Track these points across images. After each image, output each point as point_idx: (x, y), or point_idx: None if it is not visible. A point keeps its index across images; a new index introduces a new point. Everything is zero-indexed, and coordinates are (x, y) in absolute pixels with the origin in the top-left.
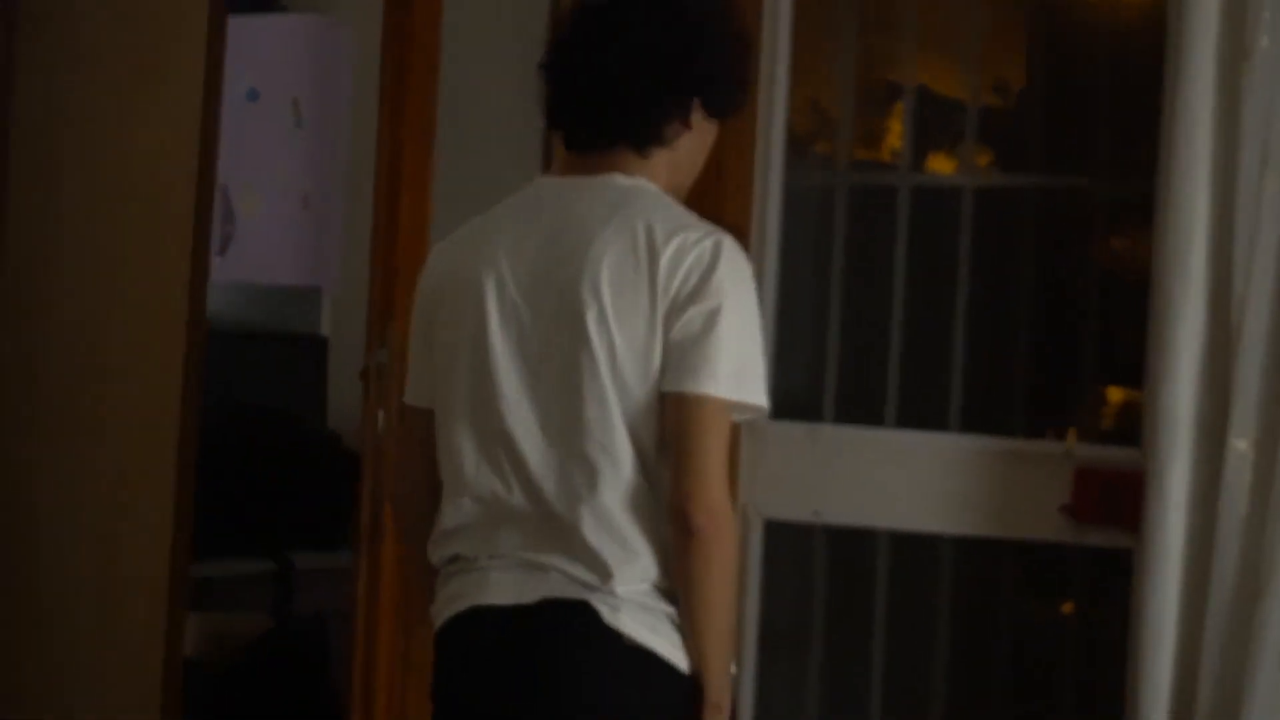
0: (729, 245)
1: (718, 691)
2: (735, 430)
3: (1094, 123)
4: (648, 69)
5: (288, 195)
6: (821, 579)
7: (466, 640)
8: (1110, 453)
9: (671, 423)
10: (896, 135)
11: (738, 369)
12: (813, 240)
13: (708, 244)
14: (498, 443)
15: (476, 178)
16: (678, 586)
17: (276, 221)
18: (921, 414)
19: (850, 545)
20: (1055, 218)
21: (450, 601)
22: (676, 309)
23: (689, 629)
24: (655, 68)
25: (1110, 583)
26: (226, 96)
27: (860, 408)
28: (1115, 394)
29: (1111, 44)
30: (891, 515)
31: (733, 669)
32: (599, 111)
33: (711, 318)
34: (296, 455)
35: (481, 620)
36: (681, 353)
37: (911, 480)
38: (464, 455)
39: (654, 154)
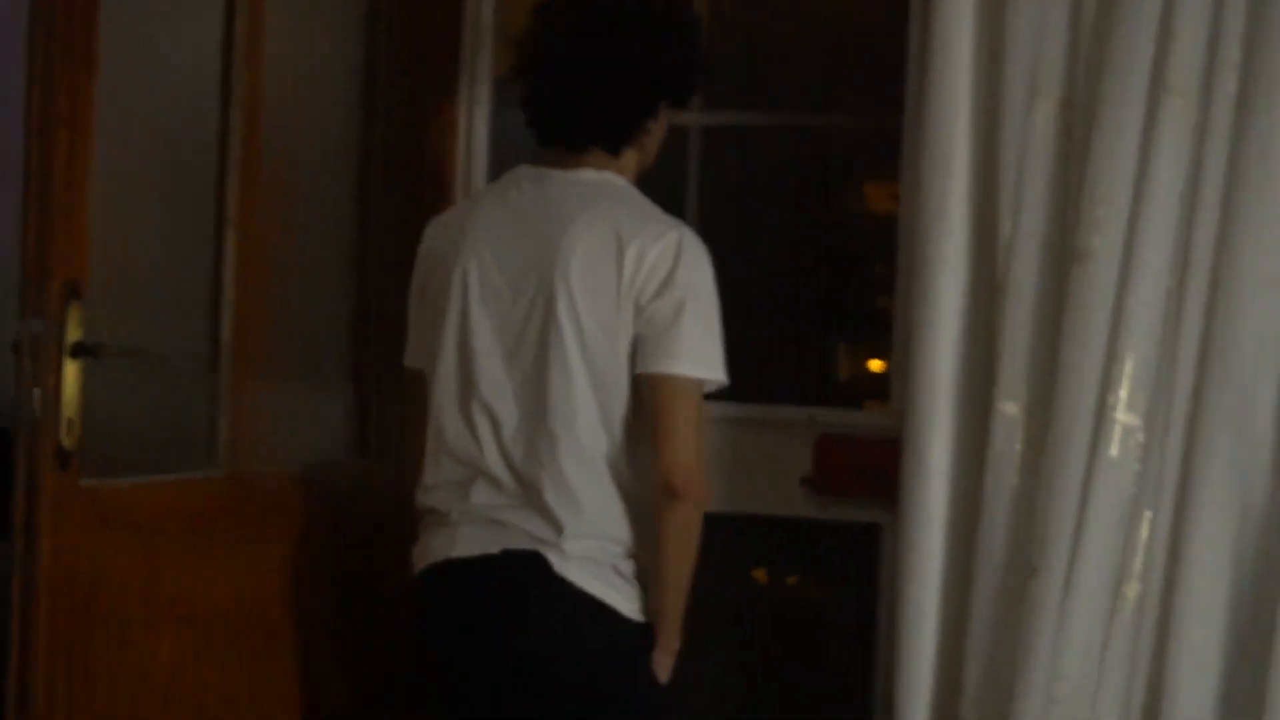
0: (688, 239)
1: (673, 637)
2: None
3: (830, 55)
4: (624, 84)
5: None
6: None
7: (440, 590)
8: (857, 418)
9: (650, 402)
10: None
11: (703, 351)
12: None
13: (670, 238)
14: (476, 409)
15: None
16: (654, 544)
17: None
18: None
19: None
20: (794, 157)
21: (426, 554)
22: (645, 301)
23: (657, 580)
24: (631, 83)
25: (857, 561)
26: None
27: None
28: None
29: None
30: None
31: None
32: (577, 121)
33: (679, 308)
34: None
35: (452, 571)
36: (655, 340)
37: None
38: (446, 417)
39: (624, 152)
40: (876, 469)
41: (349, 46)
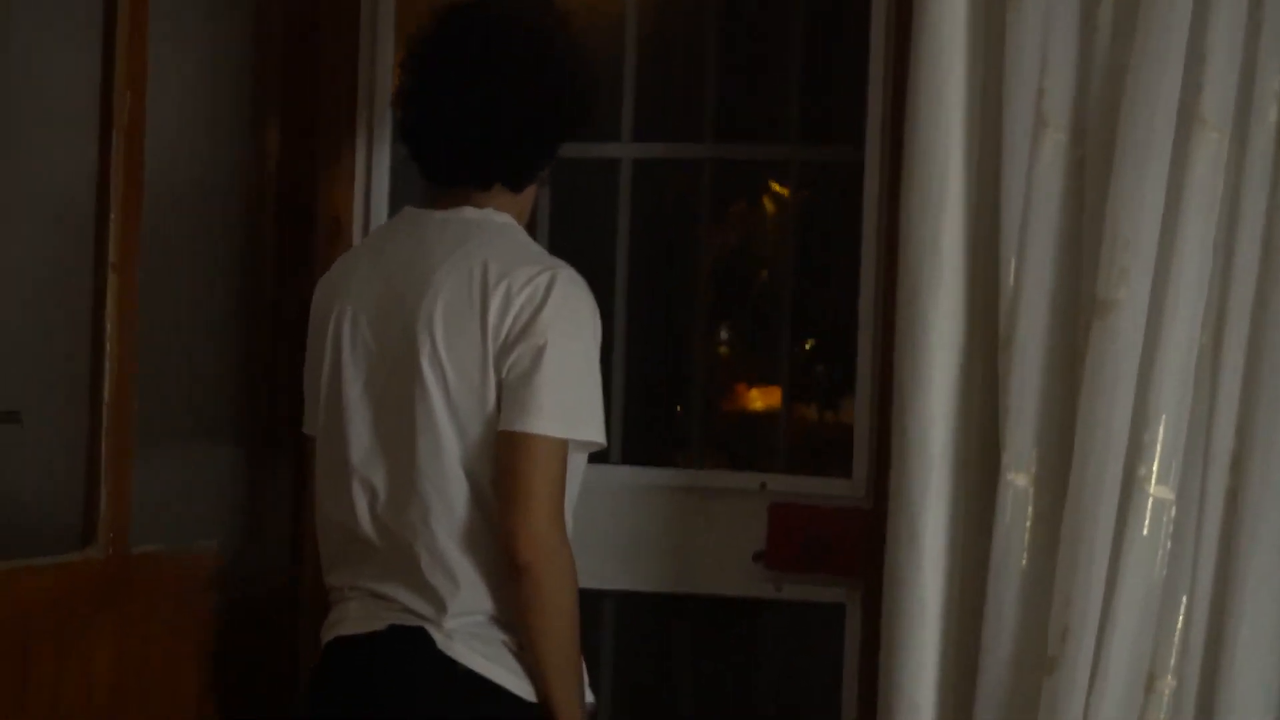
0: (563, 280)
1: None
2: None
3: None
4: (494, 118)
5: None
6: None
7: (328, 668)
8: (813, 485)
9: (501, 460)
10: None
11: (564, 406)
12: None
13: (541, 281)
14: (350, 476)
15: None
16: (517, 625)
17: None
18: None
19: None
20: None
21: (325, 631)
22: (506, 348)
23: (531, 660)
24: (502, 116)
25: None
26: None
27: None
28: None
29: None
30: None
31: (590, 698)
32: (453, 156)
33: (537, 356)
34: None
35: (340, 649)
36: (511, 392)
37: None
38: (325, 488)
39: (502, 189)
40: (840, 543)
41: (236, 81)
